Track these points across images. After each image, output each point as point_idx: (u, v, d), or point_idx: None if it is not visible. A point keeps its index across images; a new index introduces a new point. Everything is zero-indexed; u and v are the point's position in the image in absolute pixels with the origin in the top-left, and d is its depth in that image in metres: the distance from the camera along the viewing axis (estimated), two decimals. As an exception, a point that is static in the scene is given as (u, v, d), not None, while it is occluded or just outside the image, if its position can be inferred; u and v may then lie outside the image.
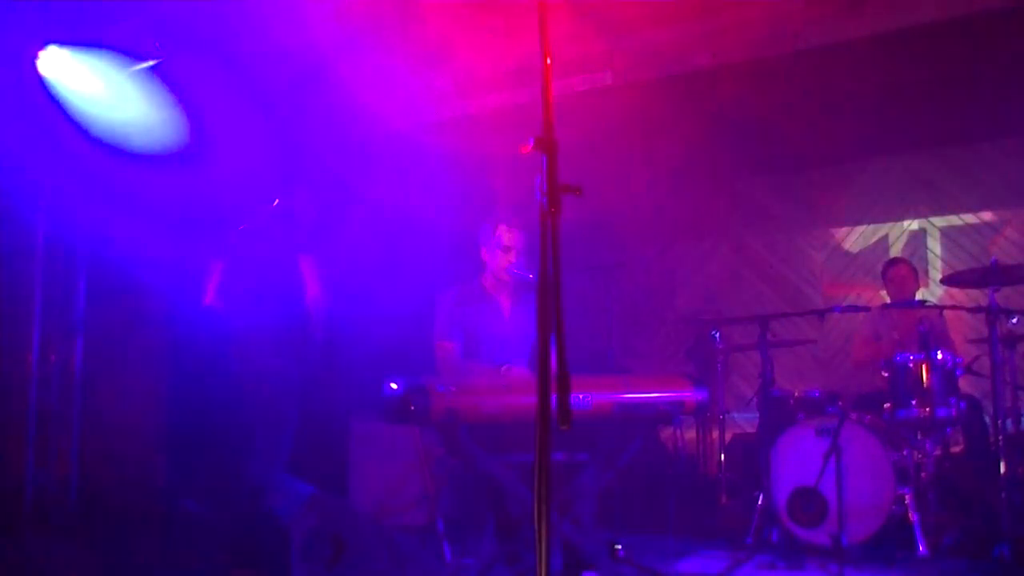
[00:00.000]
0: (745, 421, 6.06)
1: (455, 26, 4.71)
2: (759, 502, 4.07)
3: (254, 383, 4.11)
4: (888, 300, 5.28)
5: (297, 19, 4.73)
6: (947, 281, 4.49)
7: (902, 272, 5.04)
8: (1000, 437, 3.66)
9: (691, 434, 5.78)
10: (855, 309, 4.62)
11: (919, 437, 4.07)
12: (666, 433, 5.40)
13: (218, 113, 5.08)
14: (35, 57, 4.67)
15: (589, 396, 2.91)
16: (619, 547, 3.30)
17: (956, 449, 4.62)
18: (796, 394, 4.51)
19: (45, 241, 5.37)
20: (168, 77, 4.98)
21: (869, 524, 3.80)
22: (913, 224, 6.45)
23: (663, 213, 7.31)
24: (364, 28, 4.89)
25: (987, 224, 6.20)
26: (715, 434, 5.32)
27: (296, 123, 5.34)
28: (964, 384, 4.26)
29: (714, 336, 5.15)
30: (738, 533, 4.10)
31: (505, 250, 3.62)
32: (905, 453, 4.05)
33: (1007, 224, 6.13)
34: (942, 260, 6.28)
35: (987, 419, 4.40)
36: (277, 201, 4.29)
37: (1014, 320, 4.21)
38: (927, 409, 3.94)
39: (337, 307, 4.27)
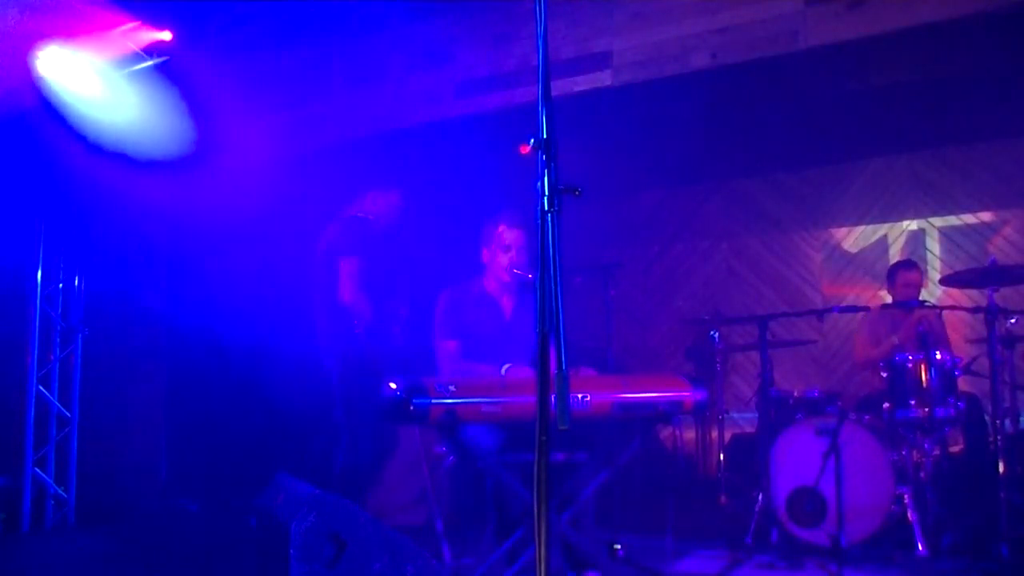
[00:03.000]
0: (744, 421, 6.07)
1: (456, 26, 4.72)
2: (758, 502, 4.07)
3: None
4: (888, 300, 5.28)
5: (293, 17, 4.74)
6: (946, 281, 4.49)
7: (915, 279, 5.01)
8: (999, 437, 3.67)
9: (690, 434, 5.79)
10: (854, 309, 4.62)
11: (918, 437, 4.07)
12: (665, 433, 5.42)
13: (214, 115, 5.08)
14: (34, 56, 4.67)
15: (588, 396, 2.91)
16: (618, 547, 3.31)
17: (955, 449, 4.62)
18: (795, 394, 4.50)
19: (45, 241, 5.38)
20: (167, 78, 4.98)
21: (868, 524, 3.80)
22: (912, 224, 6.45)
23: (663, 213, 7.32)
24: (365, 27, 4.90)
25: (986, 224, 6.20)
26: (714, 434, 5.33)
27: (294, 124, 5.34)
28: (963, 384, 4.26)
29: (713, 336, 5.15)
30: (737, 533, 4.10)
31: (505, 249, 3.62)
32: (904, 453, 4.05)
33: (1006, 224, 6.13)
34: (941, 260, 6.29)
35: (986, 419, 4.40)
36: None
37: (1013, 320, 4.21)
38: (926, 409, 3.94)
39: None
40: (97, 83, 4.91)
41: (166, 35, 4.76)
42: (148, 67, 4.92)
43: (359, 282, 4.12)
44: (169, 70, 4.95)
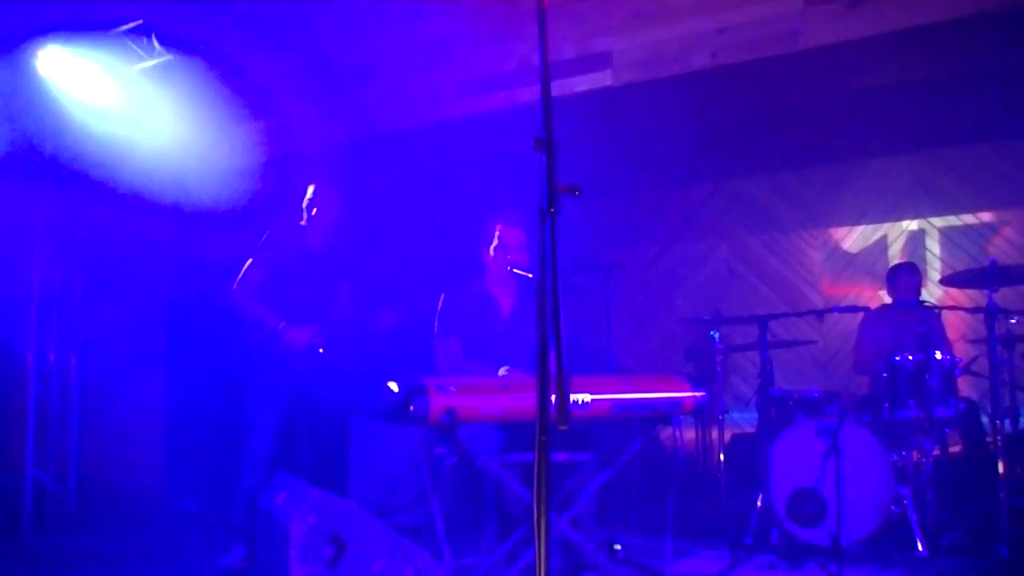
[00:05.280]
0: (744, 421, 6.06)
1: (456, 26, 4.72)
2: (758, 502, 4.07)
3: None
4: (887, 300, 5.28)
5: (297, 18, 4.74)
6: (946, 281, 4.49)
7: (913, 282, 5.00)
8: (998, 437, 3.66)
9: (690, 434, 5.78)
10: (854, 309, 4.62)
11: (918, 437, 4.07)
12: (665, 433, 5.40)
13: (212, 114, 5.09)
14: (33, 56, 4.66)
15: (588, 396, 2.91)
16: (618, 547, 3.31)
17: (955, 449, 4.62)
18: (795, 394, 4.50)
19: (44, 242, 5.38)
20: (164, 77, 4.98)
21: (868, 524, 3.80)
22: (912, 224, 6.45)
23: (663, 213, 7.32)
24: (365, 27, 4.90)
25: (986, 224, 6.20)
26: (714, 434, 5.32)
27: (294, 125, 5.34)
28: (963, 385, 4.26)
29: (713, 336, 5.15)
30: (737, 533, 4.10)
31: (504, 249, 3.63)
32: (904, 453, 4.05)
33: (1006, 224, 6.13)
34: (941, 260, 6.29)
35: (985, 419, 4.40)
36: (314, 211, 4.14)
37: (1013, 320, 4.20)
38: (926, 409, 3.94)
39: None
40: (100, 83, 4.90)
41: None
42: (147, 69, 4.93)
43: (257, 284, 4.01)
44: (168, 72, 4.94)
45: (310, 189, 4.16)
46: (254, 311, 4.01)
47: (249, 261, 4.05)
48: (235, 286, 4.03)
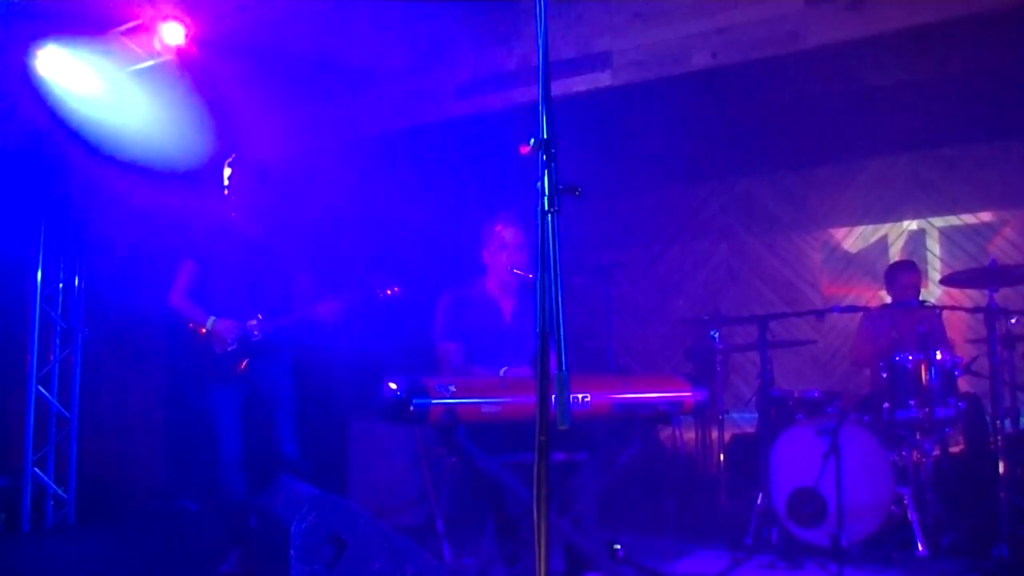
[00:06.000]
0: (744, 421, 6.07)
1: (456, 26, 4.72)
2: (758, 502, 4.07)
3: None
4: (887, 300, 5.28)
5: (295, 17, 4.74)
6: (946, 281, 4.49)
7: (913, 280, 5.00)
8: (999, 437, 3.67)
9: (690, 434, 5.78)
10: (854, 309, 4.62)
11: (918, 437, 4.07)
12: (665, 433, 5.41)
13: (213, 113, 5.08)
14: (32, 56, 4.66)
15: (588, 396, 2.91)
16: (618, 547, 3.30)
17: (955, 449, 4.62)
18: (795, 394, 4.51)
19: (45, 241, 5.38)
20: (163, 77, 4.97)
21: (868, 524, 3.80)
22: (912, 224, 6.45)
23: (663, 213, 7.32)
24: (365, 27, 4.90)
25: (986, 224, 6.20)
26: (714, 434, 5.32)
27: (293, 123, 5.34)
28: (963, 384, 4.26)
29: (713, 336, 5.15)
30: (737, 533, 4.11)
31: (503, 248, 3.63)
32: (904, 453, 4.05)
33: (1006, 224, 6.13)
34: (941, 260, 6.29)
35: (986, 419, 4.40)
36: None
37: (1013, 320, 4.21)
38: (926, 409, 3.94)
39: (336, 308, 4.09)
40: (99, 83, 4.90)
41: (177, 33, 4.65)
42: (148, 67, 4.92)
43: (190, 286, 3.85)
44: (166, 72, 4.94)
45: (225, 173, 3.91)
46: (189, 312, 3.84)
47: (184, 263, 3.88)
48: (170, 291, 3.86)
